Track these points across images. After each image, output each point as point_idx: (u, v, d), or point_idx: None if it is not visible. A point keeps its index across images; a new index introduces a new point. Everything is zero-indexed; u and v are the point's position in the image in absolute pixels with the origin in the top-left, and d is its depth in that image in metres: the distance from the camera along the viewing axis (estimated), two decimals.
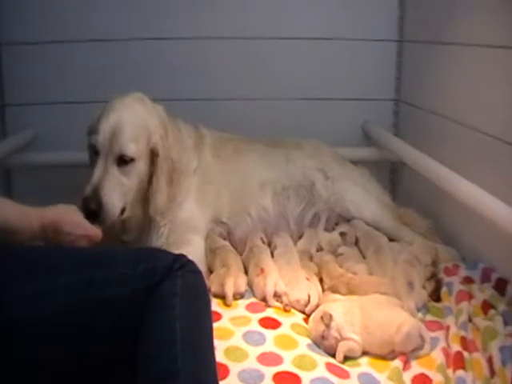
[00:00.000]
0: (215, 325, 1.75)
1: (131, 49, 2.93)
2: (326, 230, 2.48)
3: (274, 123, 2.95)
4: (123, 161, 2.00)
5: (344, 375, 1.65)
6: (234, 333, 1.79)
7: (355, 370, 1.69)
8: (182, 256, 1.44)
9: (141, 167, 2.04)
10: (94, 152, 2.01)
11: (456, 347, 1.71)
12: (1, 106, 2.93)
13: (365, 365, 1.73)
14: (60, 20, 2.86)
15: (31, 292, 1.30)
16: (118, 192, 1.98)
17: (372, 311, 1.82)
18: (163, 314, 1.32)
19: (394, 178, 3.18)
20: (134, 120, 2.03)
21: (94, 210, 1.88)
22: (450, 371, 1.64)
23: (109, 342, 1.34)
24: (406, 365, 1.70)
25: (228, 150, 2.52)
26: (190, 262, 1.44)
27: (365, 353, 1.77)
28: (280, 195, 2.51)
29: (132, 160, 2.01)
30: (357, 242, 2.41)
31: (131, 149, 1.99)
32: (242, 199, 2.44)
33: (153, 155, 2.06)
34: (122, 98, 2.08)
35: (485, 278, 2.09)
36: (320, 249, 2.38)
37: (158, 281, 1.36)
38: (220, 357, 1.64)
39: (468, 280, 2.08)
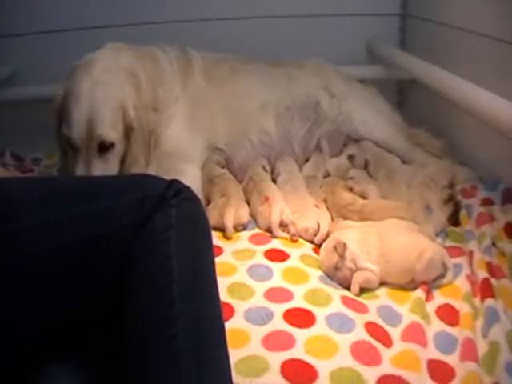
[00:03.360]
0: (216, 260, 1.60)
1: None
2: (333, 152, 2.31)
3: (272, 43, 2.75)
4: (104, 148, 1.84)
5: (362, 309, 1.52)
6: (237, 268, 1.65)
7: (373, 302, 1.57)
8: (176, 181, 1.23)
9: (120, 147, 1.89)
10: (69, 145, 1.84)
11: (482, 274, 1.58)
12: None
13: (383, 296, 1.60)
14: None
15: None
16: None
17: (390, 237, 1.68)
18: (156, 251, 1.13)
19: (401, 98, 3.01)
20: (108, 102, 1.84)
21: None
22: (477, 300, 1.52)
23: (93, 289, 1.16)
24: (429, 295, 1.59)
25: (223, 70, 2.33)
26: (186, 188, 1.23)
27: (382, 283, 1.64)
28: (283, 116, 2.33)
29: (112, 145, 1.85)
30: (366, 166, 2.25)
31: (111, 136, 1.83)
32: (241, 123, 2.27)
33: (128, 129, 1.89)
34: (88, 71, 1.86)
35: (506, 199, 1.95)
36: (327, 174, 2.22)
37: (149, 212, 1.16)
38: (223, 295, 1.47)
39: (488, 201, 1.96)
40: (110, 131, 1.83)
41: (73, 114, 1.80)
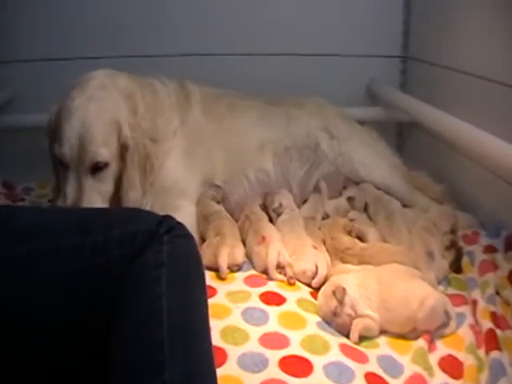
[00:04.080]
0: (209, 301, 1.53)
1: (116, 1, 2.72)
2: (333, 194, 2.27)
3: (272, 81, 2.74)
4: (97, 168, 1.78)
5: (361, 358, 1.44)
6: (231, 310, 1.57)
7: (373, 351, 1.49)
8: (169, 217, 1.17)
9: (114, 167, 1.83)
10: (60, 163, 1.78)
11: (487, 324, 1.52)
12: None
13: (384, 345, 1.52)
14: None
15: None
16: (98, 202, 1.78)
17: (391, 283, 1.61)
18: (145, 289, 1.07)
19: (401, 141, 2.99)
20: (101, 119, 1.78)
21: None
22: (481, 352, 1.45)
23: (78, 328, 1.09)
24: (431, 345, 1.51)
25: (221, 106, 2.30)
26: (179, 225, 1.17)
27: (383, 332, 1.57)
28: (282, 156, 2.29)
29: (106, 164, 1.79)
30: (366, 208, 2.19)
31: (104, 154, 1.77)
32: (239, 160, 2.23)
33: (123, 149, 1.84)
34: (82, 88, 1.82)
35: (509, 246, 1.90)
36: (326, 216, 2.16)
37: (139, 249, 1.10)
38: (215, 339, 1.42)
39: (490, 249, 1.90)
40: (103, 148, 1.77)
41: (64, 130, 1.75)
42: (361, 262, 1.80)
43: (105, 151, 1.77)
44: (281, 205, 2.06)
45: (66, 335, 1.08)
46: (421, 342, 1.50)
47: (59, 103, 1.83)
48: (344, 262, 1.82)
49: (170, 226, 1.14)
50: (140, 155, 1.89)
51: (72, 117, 1.75)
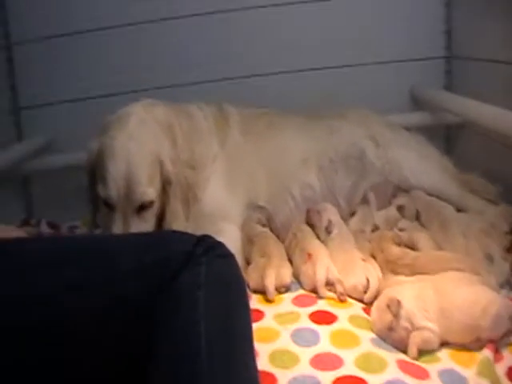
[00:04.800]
0: (256, 325, 1.51)
1: (142, 33, 2.72)
2: (382, 204, 2.18)
3: (311, 96, 2.68)
4: (143, 207, 1.74)
5: (422, 374, 1.34)
6: (279, 333, 1.51)
7: (434, 366, 1.39)
8: (208, 237, 1.12)
9: (158, 203, 1.79)
10: (105, 203, 1.75)
11: None
12: (15, 110, 2.78)
13: (445, 359, 1.42)
14: (65, 12, 2.69)
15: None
16: None
17: (449, 291, 1.51)
18: (182, 314, 1.01)
19: (449, 145, 2.86)
20: (145, 158, 1.75)
21: None
22: None
23: (112, 361, 1.04)
24: (497, 355, 1.41)
25: (261, 125, 2.25)
26: (219, 244, 1.12)
27: (443, 344, 1.47)
28: (326, 169, 2.23)
29: (151, 203, 1.76)
30: (418, 217, 2.10)
31: (150, 194, 1.74)
32: (282, 178, 2.17)
33: (165, 184, 1.81)
34: (122, 125, 1.78)
35: None
36: (375, 228, 2.06)
37: (175, 272, 1.05)
38: (264, 364, 1.36)
39: None
40: (149, 189, 1.73)
41: (109, 171, 1.71)
42: (413, 273, 1.70)
43: (151, 190, 1.74)
44: (330, 222, 1.98)
45: (101, 369, 1.04)
46: (486, 353, 1.40)
47: (98, 141, 1.80)
48: (396, 273, 1.73)
49: (208, 246, 1.09)
50: (182, 187, 1.86)
51: (116, 157, 1.72)
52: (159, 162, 1.78)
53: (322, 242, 1.92)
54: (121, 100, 1.94)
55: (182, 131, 1.95)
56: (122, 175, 1.70)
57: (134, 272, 1.06)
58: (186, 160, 1.91)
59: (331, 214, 2.02)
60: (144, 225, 1.75)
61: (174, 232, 1.27)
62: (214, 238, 1.15)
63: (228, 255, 1.14)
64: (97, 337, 1.03)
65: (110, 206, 1.74)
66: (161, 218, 1.83)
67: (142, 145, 1.76)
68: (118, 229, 1.71)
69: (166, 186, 1.80)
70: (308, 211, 2.05)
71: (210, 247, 1.10)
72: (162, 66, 2.72)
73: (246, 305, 1.13)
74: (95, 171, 1.77)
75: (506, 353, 1.42)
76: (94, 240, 1.26)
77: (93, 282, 1.05)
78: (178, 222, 1.82)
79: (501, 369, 1.36)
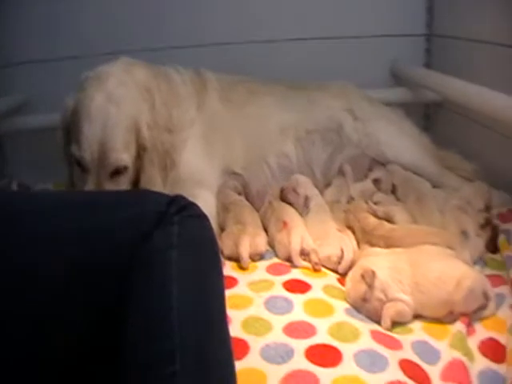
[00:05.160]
0: (229, 292, 1.50)
1: None
2: (357, 177, 2.17)
3: (292, 67, 2.63)
4: (116, 171, 1.71)
5: (395, 345, 1.34)
6: (253, 300, 1.50)
7: (407, 337, 1.40)
8: (181, 197, 1.08)
9: (132, 169, 1.76)
10: (78, 163, 1.71)
11: None
12: None
13: (418, 331, 1.43)
14: None
15: None
16: None
17: (423, 265, 1.51)
18: (154, 273, 0.98)
19: (428, 123, 2.86)
20: (122, 122, 1.71)
21: None
22: None
23: (81, 318, 1.00)
24: (470, 328, 1.42)
25: (239, 92, 2.22)
26: (192, 204, 1.08)
27: (417, 316, 1.48)
28: (304, 140, 2.21)
29: (125, 168, 1.73)
30: (394, 191, 2.09)
31: (124, 160, 1.71)
32: (259, 146, 2.15)
33: (141, 150, 1.77)
34: (100, 85, 1.73)
35: None
36: (351, 200, 2.05)
37: (147, 231, 1.01)
38: (236, 330, 1.35)
39: None
40: (124, 154, 1.70)
41: (84, 133, 1.67)
42: (388, 245, 1.70)
43: (126, 156, 1.71)
44: (307, 197, 1.96)
45: (68, 324, 1.00)
46: (458, 326, 1.40)
47: (75, 98, 1.75)
48: (371, 245, 1.72)
49: (181, 206, 1.05)
50: (159, 153, 1.83)
51: (92, 119, 1.68)
52: (136, 128, 1.74)
53: (300, 213, 1.91)
54: (98, 62, 1.89)
55: (161, 94, 1.91)
56: (97, 139, 1.67)
57: (105, 228, 1.02)
58: (164, 124, 1.88)
59: (307, 188, 1.99)
60: (116, 188, 1.71)
61: (148, 191, 1.25)
62: (188, 198, 1.11)
63: (201, 216, 1.10)
64: (68, 289, 1.00)
65: (83, 167, 1.70)
66: (136, 184, 1.80)
67: (121, 109, 1.72)
68: (89, 189, 1.68)
69: (141, 151, 1.77)
70: (282, 190, 2.00)
71: (183, 207, 1.07)
72: (140, 29, 2.64)
73: (219, 266, 1.10)
74: (70, 129, 1.73)
75: (478, 327, 1.42)
76: (65, 195, 1.22)
77: (65, 235, 1.01)
78: (154, 189, 1.78)
79: (473, 342, 1.36)
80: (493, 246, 1.77)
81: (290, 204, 1.95)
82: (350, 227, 1.83)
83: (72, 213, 1.05)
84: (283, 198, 1.97)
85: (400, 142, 2.25)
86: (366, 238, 1.75)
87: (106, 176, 1.70)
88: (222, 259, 1.71)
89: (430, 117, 2.86)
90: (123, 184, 1.74)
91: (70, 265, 1.00)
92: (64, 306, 0.99)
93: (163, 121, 1.88)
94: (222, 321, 1.02)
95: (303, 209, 1.92)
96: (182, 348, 0.91)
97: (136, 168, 1.78)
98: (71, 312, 1.00)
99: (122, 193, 1.39)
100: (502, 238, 1.77)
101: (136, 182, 1.80)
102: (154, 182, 1.80)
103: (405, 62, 2.77)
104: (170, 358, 0.89)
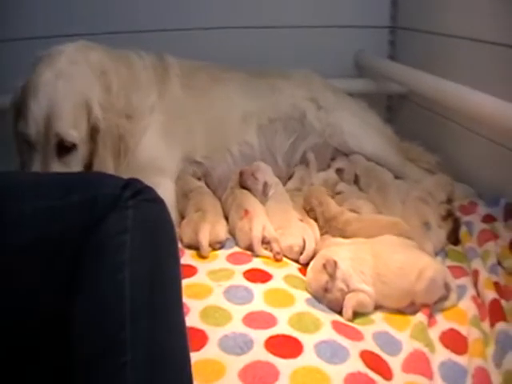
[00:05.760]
0: (188, 281, 1.47)
1: None
2: (320, 167, 2.15)
3: (255, 55, 2.59)
4: (64, 149, 1.66)
5: (356, 336, 1.32)
6: (212, 289, 1.46)
7: (369, 328, 1.38)
8: (136, 181, 1.04)
9: (84, 150, 1.70)
10: (25, 142, 1.66)
11: (490, 294, 1.44)
12: None
13: (380, 322, 1.42)
14: None
15: None
16: None
17: (386, 255, 1.50)
18: (106, 259, 0.94)
19: (390, 114, 2.86)
20: (71, 98, 1.66)
21: None
22: (485, 324, 1.37)
23: (31, 306, 0.96)
24: (431, 319, 1.42)
25: (201, 79, 2.17)
26: (148, 188, 1.04)
27: (378, 307, 1.46)
28: (266, 128, 2.18)
29: (74, 146, 1.67)
30: (356, 180, 2.09)
31: (71, 135, 1.65)
32: (221, 134, 2.11)
33: (93, 131, 1.72)
34: (51, 62, 1.69)
35: (509, 214, 1.83)
36: None
37: (100, 215, 0.97)
38: (195, 320, 1.31)
39: (489, 218, 1.84)
40: (71, 130, 1.65)
41: (30, 108, 1.62)
42: (344, 237, 1.69)
43: (73, 132, 1.65)
44: (266, 184, 1.92)
45: (18, 311, 0.96)
46: (420, 317, 1.40)
47: (25, 79, 1.70)
48: (332, 235, 1.70)
49: (136, 190, 1.01)
50: (113, 137, 1.77)
51: (39, 93, 1.63)
52: (87, 106, 1.69)
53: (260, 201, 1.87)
54: (51, 44, 1.82)
55: (120, 79, 1.86)
56: (42, 113, 1.62)
57: (56, 210, 0.98)
58: (122, 109, 1.83)
59: (266, 174, 1.96)
60: (66, 170, 1.66)
61: (102, 174, 1.19)
62: (142, 181, 1.07)
63: (157, 200, 1.06)
64: (18, 271, 0.95)
65: (30, 144, 1.65)
66: (89, 168, 1.74)
67: (69, 84, 1.67)
68: (36, 169, 1.63)
69: (93, 133, 1.72)
70: (241, 174, 1.96)
71: (139, 191, 1.03)
72: (98, 12, 2.56)
73: (175, 253, 1.06)
74: (19, 108, 1.68)
75: (439, 317, 1.42)
76: (14, 175, 1.16)
77: (11, 218, 0.96)
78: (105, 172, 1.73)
79: (434, 333, 1.36)
80: (454, 238, 1.77)
81: (248, 189, 1.92)
82: (311, 210, 1.81)
83: (20, 195, 1.00)
84: (242, 183, 1.94)
85: (363, 132, 2.24)
86: (326, 225, 1.74)
87: (53, 154, 1.65)
88: (181, 247, 1.67)
89: (392, 108, 2.86)
90: (74, 166, 1.68)
91: (18, 249, 0.94)
92: (12, 292, 0.94)
93: (121, 105, 1.82)
94: (177, 309, 0.98)
95: (262, 196, 1.89)
96: (133, 338, 0.87)
97: (89, 151, 1.73)
98: (18, 298, 0.95)
99: (74, 175, 1.34)
100: (463, 230, 1.78)
101: (90, 167, 1.74)
102: (107, 166, 1.75)
103: (369, 53, 2.76)
104: (122, 348, 0.86)
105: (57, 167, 1.64)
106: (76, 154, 1.68)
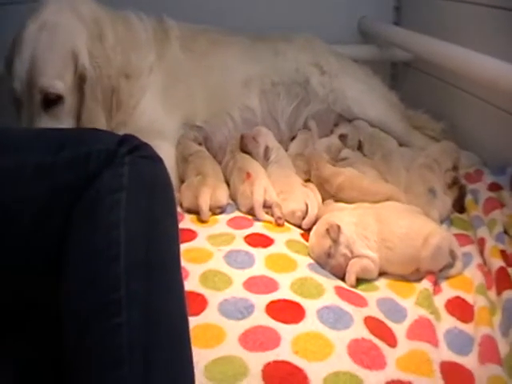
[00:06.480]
0: (188, 245, 1.44)
1: None
2: (323, 133, 2.10)
3: (258, 19, 2.53)
4: (49, 102, 1.62)
5: (360, 302, 1.30)
6: (212, 254, 1.43)
7: (373, 294, 1.36)
8: (132, 137, 0.99)
9: (71, 102, 1.66)
10: (15, 100, 1.64)
11: (497, 263, 1.41)
12: None
13: (384, 288, 1.39)
14: None
15: None
16: None
17: (390, 221, 1.46)
18: (100, 216, 0.89)
19: (395, 82, 2.79)
20: (54, 48, 1.63)
21: None
22: (491, 293, 1.35)
23: (21, 268, 0.92)
24: (436, 287, 1.39)
25: (202, 42, 2.12)
26: (145, 145, 0.99)
27: (382, 274, 1.44)
28: (268, 93, 2.14)
29: (59, 98, 1.63)
30: (360, 147, 2.04)
31: (56, 87, 1.62)
32: (222, 98, 2.06)
33: (80, 80, 1.67)
34: (36, 15, 1.65)
35: None
36: None
37: (95, 171, 0.92)
38: (194, 284, 1.29)
39: (495, 187, 1.81)
40: (56, 80, 1.61)
41: (14, 63, 1.61)
42: (336, 201, 1.67)
43: (58, 83, 1.62)
44: (267, 148, 1.89)
45: (9, 273, 0.92)
46: (425, 284, 1.37)
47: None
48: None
49: (133, 146, 0.96)
50: (104, 87, 1.72)
51: (22, 47, 1.61)
52: (73, 55, 1.65)
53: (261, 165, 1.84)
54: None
55: (116, 34, 1.82)
56: (26, 66, 1.60)
57: (47, 167, 0.93)
58: (121, 67, 1.79)
59: (268, 139, 1.93)
60: (55, 123, 1.64)
61: (97, 130, 1.14)
62: (138, 138, 1.02)
63: (154, 157, 1.01)
64: (5, 229, 0.91)
65: (17, 100, 1.63)
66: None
67: (53, 35, 1.64)
68: (24, 125, 1.62)
69: (81, 82, 1.67)
70: (242, 138, 1.93)
71: (136, 147, 0.97)
72: None
73: (173, 212, 1.02)
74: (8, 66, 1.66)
75: (444, 285, 1.39)
76: (4, 131, 1.11)
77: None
78: (96, 126, 1.69)
79: (439, 301, 1.33)
80: (459, 206, 1.74)
81: (249, 154, 1.89)
82: (306, 172, 1.80)
83: (6, 150, 0.95)
84: (243, 147, 1.91)
85: (367, 97, 2.19)
86: (321, 189, 1.72)
87: (40, 107, 1.62)
88: (182, 212, 1.64)
89: (397, 76, 2.81)
90: (62, 119, 1.65)
91: (10, 205, 0.90)
92: (3, 249, 0.90)
93: (118, 62, 1.79)
94: (174, 270, 0.94)
95: (263, 160, 1.87)
96: (128, 299, 0.83)
97: (79, 103, 1.69)
98: (8, 259, 0.91)
99: (67, 130, 1.29)
100: (469, 198, 1.75)
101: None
102: (97, 119, 1.71)
103: (374, 19, 2.70)
104: (116, 308, 0.82)
105: (44, 121, 1.62)
106: (63, 106, 1.64)
